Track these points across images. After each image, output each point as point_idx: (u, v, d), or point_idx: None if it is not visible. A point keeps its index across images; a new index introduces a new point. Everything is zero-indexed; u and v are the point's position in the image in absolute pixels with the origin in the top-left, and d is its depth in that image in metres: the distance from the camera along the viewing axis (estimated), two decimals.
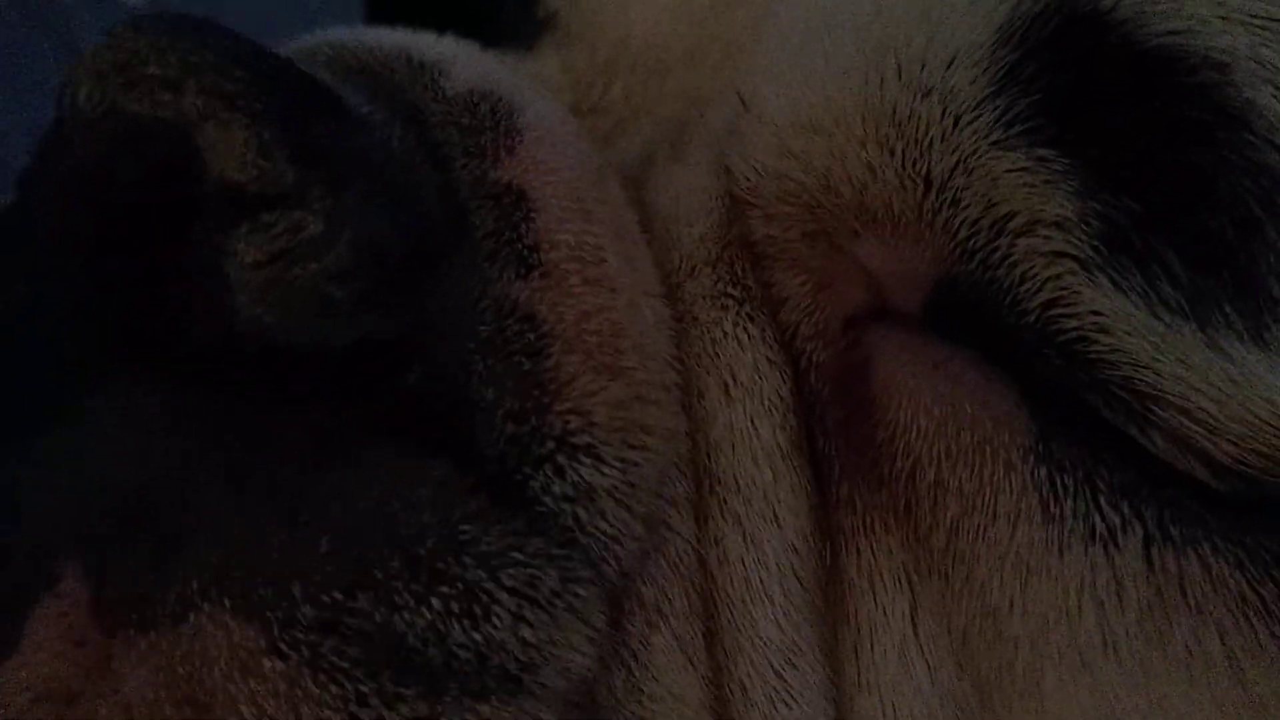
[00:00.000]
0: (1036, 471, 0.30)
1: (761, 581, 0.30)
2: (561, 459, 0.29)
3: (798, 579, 0.31)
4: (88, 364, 0.29)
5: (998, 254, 0.30)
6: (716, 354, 0.32)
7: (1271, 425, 0.29)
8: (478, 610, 0.27)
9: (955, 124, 0.30)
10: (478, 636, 0.27)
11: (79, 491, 0.27)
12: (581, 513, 0.29)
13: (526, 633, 0.27)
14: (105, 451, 0.28)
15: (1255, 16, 0.30)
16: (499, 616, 0.27)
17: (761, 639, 0.30)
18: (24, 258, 0.30)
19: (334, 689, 0.26)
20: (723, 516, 0.31)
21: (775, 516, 0.31)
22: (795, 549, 0.31)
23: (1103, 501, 0.30)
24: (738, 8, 0.37)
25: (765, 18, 0.35)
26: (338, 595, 0.26)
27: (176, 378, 0.28)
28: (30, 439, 0.28)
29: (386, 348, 0.29)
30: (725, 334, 0.32)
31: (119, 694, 0.26)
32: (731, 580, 0.31)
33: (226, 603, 0.26)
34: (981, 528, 0.31)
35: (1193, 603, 0.29)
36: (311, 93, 0.29)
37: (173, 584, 0.26)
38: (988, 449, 0.31)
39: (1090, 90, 0.30)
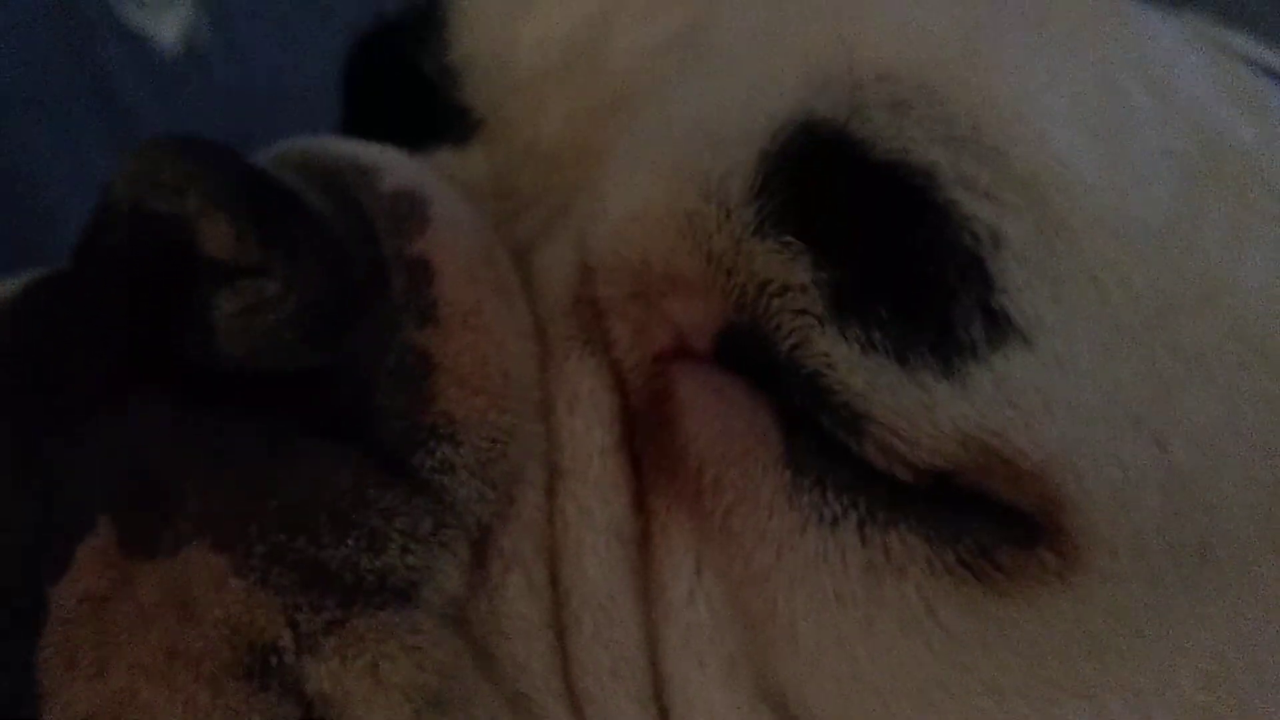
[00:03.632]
0: (784, 473, 0.37)
1: (590, 541, 0.38)
2: (432, 444, 0.37)
3: (619, 540, 0.38)
4: (118, 381, 0.37)
5: (760, 310, 0.37)
6: (565, 378, 0.40)
7: (953, 439, 0.36)
8: (378, 545, 0.35)
9: (727, 217, 0.37)
10: (379, 563, 0.35)
11: (109, 466, 0.35)
12: (447, 481, 0.37)
13: (411, 560, 0.35)
14: (127, 439, 0.36)
15: (953, 138, 0.37)
16: (392, 550, 0.35)
17: (590, 581, 0.38)
18: (77, 308, 0.39)
19: (279, 599, 0.34)
20: (566, 493, 0.39)
21: (602, 495, 0.39)
22: (617, 518, 0.39)
23: (829, 496, 0.37)
24: (619, 114, 0.45)
25: (628, 126, 0.43)
26: (282, 536, 0.35)
27: (180, 395, 0.37)
28: (75, 430, 0.36)
29: (322, 372, 0.37)
30: (573, 365, 0.40)
31: (135, 599, 0.34)
32: (569, 539, 0.38)
33: (207, 540, 0.34)
34: (748, 513, 0.38)
35: (896, 566, 0.36)
36: (277, 193, 0.38)
37: (171, 528, 0.34)
38: (751, 456, 0.38)
39: (826, 191, 0.37)
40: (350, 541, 0.35)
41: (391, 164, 0.43)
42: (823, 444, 0.37)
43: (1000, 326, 0.36)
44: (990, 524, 0.37)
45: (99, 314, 0.38)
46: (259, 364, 0.37)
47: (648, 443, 0.40)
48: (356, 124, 0.54)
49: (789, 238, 0.37)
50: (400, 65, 0.52)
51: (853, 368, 0.36)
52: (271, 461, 0.36)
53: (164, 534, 0.35)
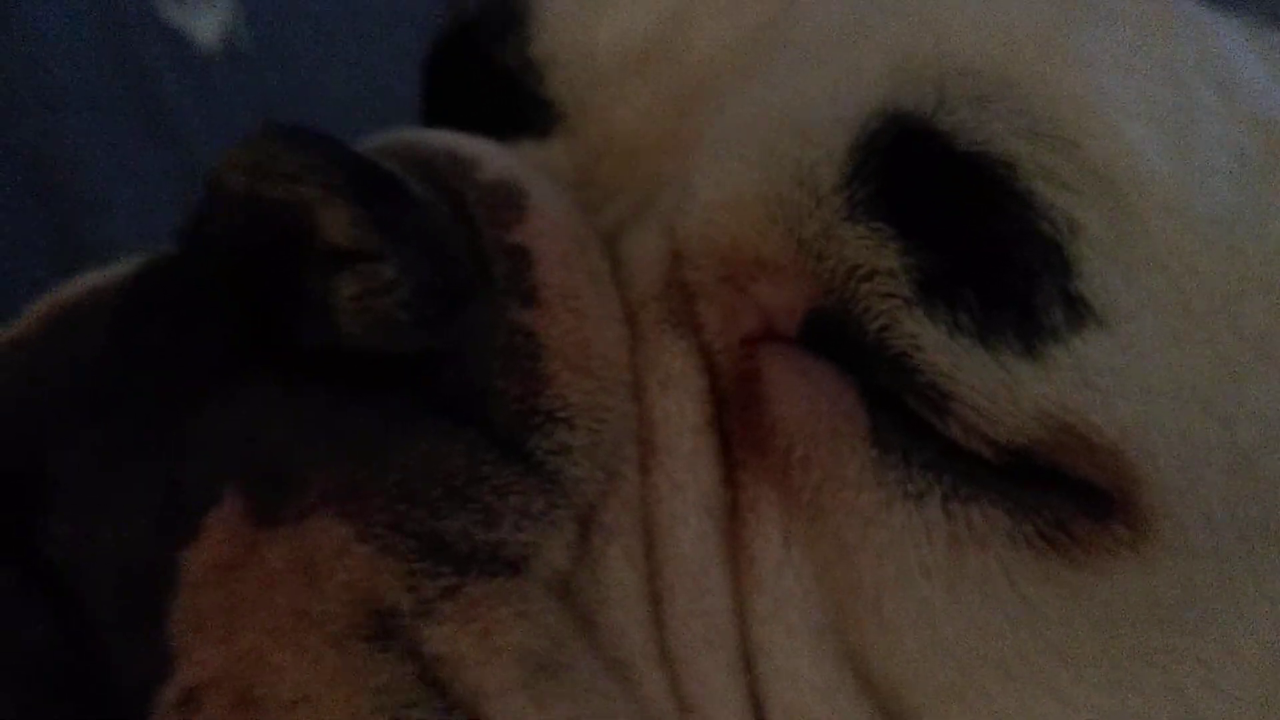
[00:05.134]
0: (870, 451, 0.39)
1: (683, 514, 0.40)
2: (549, 427, 0.38)
3: (709, 514, 0.40)
4: (234, 360, 0.38)
5: (848, 293, 0.39)
6: (657, 360, 0.41)
7: (1033, 418, 0.37)
8: (492, 520, 0.36)
9: (818, 204, 0.39)
10: (492, 537, 0.36)
11: (232, 440, 0.37)
12: (561, 462, 0.38)
13: (523, 536, 0.37)
14: (248, 415, 0.37)
15: (1032, 131, 0.39)
16: (506, 526, 0.36)
17: (682, 553, 0.39)
18: (190, 290, 0.40)
19: (399, 566, 0.35)
20: (659, 470, 0.40)
21: (693, 471, 0.40)
22: (707, 493, 0.40)
23: (914, 473, 0.38)
24: (697, 107, 0.46)
25: (713, 117, 0.44)
26: (403, 507, 0.36)
27: (295, 374, 0.38)
28: (195, 407, 0.38)
29: (435, 354, 0.38)
30: (664, 347, 0.41)
31: (262, 565, 0.35)
32: (663, 513, 0.40)
33: (331, 510, 0.36)
34: (835, 489, 0.39)
35: (978, 538, 0.38)
36: (388, 183, 0.39)
37: (296, 499, 0.36)
38: (838, 435, 0.39)
39: (913, 180, 0.39)
40: (465, 514, 0.37)
41: (489, 155, 0.44)
42: (907, 423, 0.39)
43: (1078, 310, 0.38)
44: (1067, 499, 0.38)
45: (213, 296, 0.39)
46: (374, 346, 0.38)
47: (736, 422, 0.41)
48: (436, 118, 0.55)
49: (878, 224, 0.39)
50: (481, 60, 0.53)
51: (939, 349, 0.37)
52: (389, 438, 0.37)
53: (289, 504, 0.36)
